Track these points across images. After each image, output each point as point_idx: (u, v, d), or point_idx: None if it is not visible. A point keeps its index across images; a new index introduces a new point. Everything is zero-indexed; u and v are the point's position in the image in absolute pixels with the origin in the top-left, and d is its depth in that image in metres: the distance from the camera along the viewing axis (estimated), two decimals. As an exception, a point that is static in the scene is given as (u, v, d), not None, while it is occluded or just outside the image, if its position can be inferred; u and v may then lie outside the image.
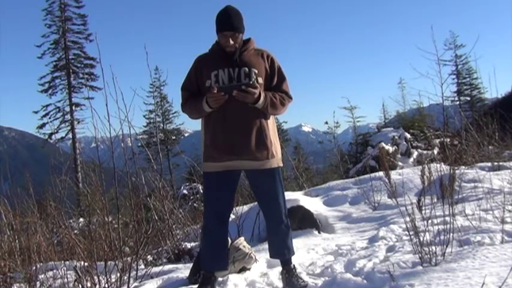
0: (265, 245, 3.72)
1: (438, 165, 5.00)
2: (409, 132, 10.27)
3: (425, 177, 4.73)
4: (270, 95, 2.74)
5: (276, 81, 2.82)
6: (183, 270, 3.40)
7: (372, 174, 6.11)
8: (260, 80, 2.74)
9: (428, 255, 2.62)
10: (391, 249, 3.35)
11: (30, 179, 4.18)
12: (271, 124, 2.83)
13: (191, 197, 9.60)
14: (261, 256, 3.51)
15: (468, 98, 31.43)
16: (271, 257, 3.05)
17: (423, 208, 4.08)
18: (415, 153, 9.65)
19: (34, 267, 3.10)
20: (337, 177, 10.17)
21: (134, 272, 3.32)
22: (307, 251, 3.81)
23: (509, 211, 3.58)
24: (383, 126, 12.61)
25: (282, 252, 2.93)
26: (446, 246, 2.67)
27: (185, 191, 10.00)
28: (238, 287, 2.94)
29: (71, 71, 24.99)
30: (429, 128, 10.63)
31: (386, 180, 5.53)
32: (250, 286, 2.98)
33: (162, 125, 30.16)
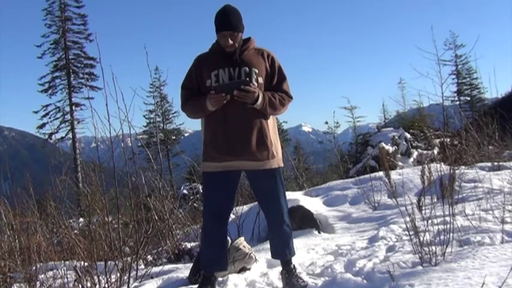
0: (265, 245, 3.72)
1: (438, 165, 5.00)
2: (409, 132, 10.26)
3: (425, 177, 4.72)
4: (269, 95, 2.73)
5: (276, 81, 2.82)
6: (183, 270, 3.40)
7: (372, 174, 6.11)
8: (260, 80, 2.74)
9: (428, 255, 2.62)
10: (391, 249, 3.35)
11: (30, 179, 4.18)
12: (271, 124, 2.83)
13: (191, 197, 9.59)
14: (261, 256, 3.51)
15: (468, 98, 31.42)
16: (272, 257, 3.06)
17: (423, 208, 4.08)
18: (415, 153, 9.64)
19: (34, 267, 3.10)
20: (337, 177, 10.16)
21: (134, 272, 3.32)
22: (307, 251, 3.81)
23: (509, 211, 3.58)
24: (383, 126, 12.59)
25: (283, 253, 2.92)
26: (446, 246, 2.67)
27: (185, 191, 9.99)
28: (238, 287, 2.94)
29: (71, 71, 24.99)
30: (429, 128, 10.61)
31: (386, 180, 5.53)
32: (250, 286, 2.99)
33: (162, 125, 30.18)
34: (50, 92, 25.06)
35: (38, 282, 3.02)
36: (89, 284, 2.71)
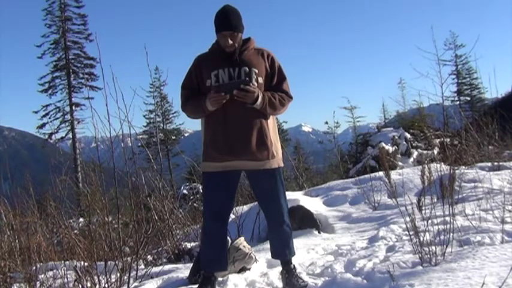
0: (265, 245, 3.72)
1: (438, 165, 5.00)
2: (409, 132, 10.26)
3: (425, 177, 4.72)
4: (268, 95, 2.73)
5: (276, 81, 2.82)
6: (183, 270, 3.40)
7: (372, 174, 6.11)
8: (260, 80, 2.74)
9: (428, 255, 2.62)
10: (391, 249, 3.35)
11: (30, 179, 4.18)
12: (271, 124, 2.83)
13: (191, 197, 9.59)
14: (261, 256, 3.51)
15: (468, 98, 31.43)
16: (272, 257, 3.06)
17: (423, 208, 4.08)
18: (415, 153, 9.64)
19: (34, 267, 3.10)
20: (337, 177, 10.16)
21: (134, 272, 3.32)
22: (307, 251, 3.81)
23: (509, 211, 3.58)
24: (383, 126, 12.59)
25: (283, 253, 2.92)
26: (446, 246, 2.67)
27: (185, 191, 9.99)
28: (238, 287, 2.94)
29: (71, 71, 24.99)
30: (429, 128, 10.61)
31: (386, 180, 5.53)
32: (250, 286, 2.99)
33: (162, 125, 30.18)
34: (50, 92, 25.06)
35: (38, 282, 3.02)
36: (89, 284, 2.71)
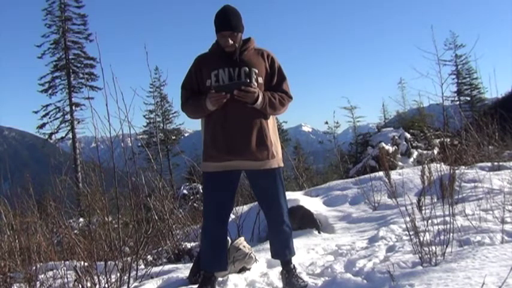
0: (265, 245, 3.72)
1: (438, 165, 5.00)
2: (409, 132, 10.27)
3: (425, 177, 4.72)
4: (268, 95, 2.73)
5: (276, 81, 2.82)
6: (183, 270, 3.40)
7: (372, 174, 6.11)
8: (260, 80, 2.74)
9: (428, 255, 2.62)
10: (391, 249, 3.35)
11: (30, 179, 4.18)
12: (271, 124, 2.83)
13: (191, 197, 9.59)
14: (261, 256, 3.51)
15: (468, 98, 31.43)
16: (272, 257, 3.05)
17: (423, 208, 4.08)
18: (415, 153, 9.65)
19: (34, 267, 3.10)
20: (337, 177, 10.17)
21: (134, 272, 3.32)
22: (307, 251, 3.81)
23: (509, 211, 3.58)
24: (383, 126, 12.60)
25: (283, 253, 2.92)
26: (446, 246, 2.67)
27: (185, 191, 9.99)
28: (238, 287, 2.94)
29: (71, 71, 24.98)
30: (429, 128, 10.62)
31: (386, 180, 5.53)
32: (250, 286, 2.99)
33: (162, 125, 30.19)
34: (50, 92, 25.05)
35: (38, 282, 3.02)
36: (89, 284, 2.71)
